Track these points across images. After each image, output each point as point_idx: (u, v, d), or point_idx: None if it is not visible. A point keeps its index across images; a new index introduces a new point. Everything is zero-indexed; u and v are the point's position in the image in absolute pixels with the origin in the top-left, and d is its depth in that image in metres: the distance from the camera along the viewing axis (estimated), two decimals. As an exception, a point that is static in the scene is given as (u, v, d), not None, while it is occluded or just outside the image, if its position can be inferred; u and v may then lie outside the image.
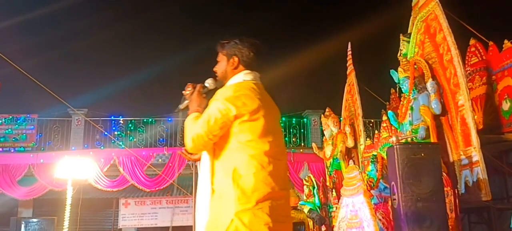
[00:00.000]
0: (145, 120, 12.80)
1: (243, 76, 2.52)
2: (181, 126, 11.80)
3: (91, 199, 11.78)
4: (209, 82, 2.61)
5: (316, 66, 15.53)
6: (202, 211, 2.42)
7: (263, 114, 2.40)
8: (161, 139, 12.68)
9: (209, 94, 2.57)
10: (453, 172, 6.13)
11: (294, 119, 13.49)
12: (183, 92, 2.61)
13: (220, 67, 2.61)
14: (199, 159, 2.63)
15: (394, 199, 5.28)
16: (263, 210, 2.27)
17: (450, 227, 5.32)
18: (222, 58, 2.61)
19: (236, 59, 2.55)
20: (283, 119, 13.40)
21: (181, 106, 2.61)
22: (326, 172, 9.43)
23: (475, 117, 6.36)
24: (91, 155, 10.77)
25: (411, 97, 6.62)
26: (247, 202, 2.26)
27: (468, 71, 7.06)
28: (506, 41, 6.78)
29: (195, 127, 2.40)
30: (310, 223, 7.63)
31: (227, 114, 2.34)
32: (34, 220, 9.87)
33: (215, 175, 2.42)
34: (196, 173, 3.31)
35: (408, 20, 7.59)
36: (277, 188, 2.34)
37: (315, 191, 8.57)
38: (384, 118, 7.75)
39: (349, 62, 9.61)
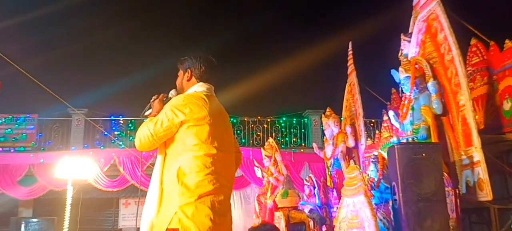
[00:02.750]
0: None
1: (196, 88, 2.82)
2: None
3: (91, 199, 11.76)
4: (172, 93, 2.91)
5: (317, 66, 15.51)
6: (148, 209, 2.66)
7: (209, 122, 2.65)
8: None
9: None
10: (454, 172, 6.11)
11: (294, 119, 13.48)
12: (151, 101, 2.91)
13: (178, 80, 2.94)
14: None
15: (395, 199, 5.27)
16: (204, 203, 2.51)
17: (451, 227, 5.31)
18: (180, 73, 2.94)
19: (189, 72, 2.87)
20: (284, 118, 13.39)
21: (146, 113, 2.91)
22: (327, 172, 9.42)
23: (476, 116, 6.34)
24: (91, 154, 10.74)
25: (412, 97, 6.61)
26: (190, 197, 2.50)
27: (469, 71, 7.04)
28: (507, 41, 6.76)
29: (144, 128, 2.69)
30: (311, 223, 7.61)
31: (172, 120, 2.62)
32: (34, 220, 9.86)
33: (164, 175, 2.66)
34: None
35: (409, 20, 7.57)
36: (218, 185, 2.58)
37: (315, 191, 8.56)
38: (385, 117, 7.74)
39: (350, 62, 9.60)
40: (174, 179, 2.55)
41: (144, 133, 2.66)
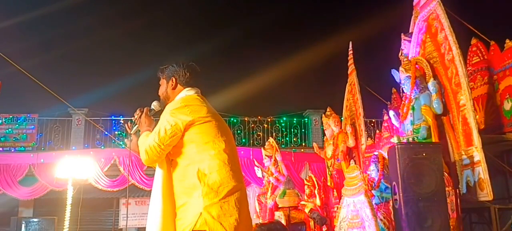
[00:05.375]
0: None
1: (186, 92, 2.78)
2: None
3: (91, 199, 11.75)
4: (154, 105, 2.88)
5: (317, 66, 15.52)
6: (153, 223, 2.57)
7: (213, 118, 2.64)
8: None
9: (156, 115, 2.84)
10: (455, 172, 6.11)
11: (295, 119, 13.47)
12: (133, 118, 2.87)
13: (161, 90, 2.88)
14: None
15: (395, 199, 5.27)
16: (229, 203, 2.48)
17: (451, 227, 5.31)
18: (162, 82, 2.88)
19: (174, 79, 2.81)
20: (284, 118, 13.39)
21: (132, 131, 2.86)
22: (327, 172, 9.41)
23: (477, 116, 6.34)
24: (91, 154, 10.73)
25: (413, 97, 6.61)
26: (214, 197, 2.47)
27: (470, 71, 7.04)
28: (507, 40, 6.76)
29: (147, 140, 2.62)
30: (311, 223, 7.61)
31: (176, 124, 2.56)
32: (35, 219, 9.85)
33: (177, 184, 2.59)
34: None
35: (409, 20, 7.57)
36: (237, 182, 2.57)
37: (316, 191, 8.56)
38: (386, 117, 7.74)
39: (350, 61, 9.59)
40: (194, 182, 2.50)
41: (150, 145, 2.58)
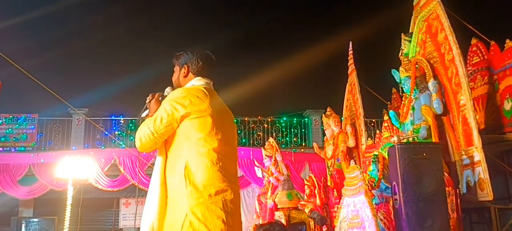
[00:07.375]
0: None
1: (194, 82, 2.71)
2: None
3: (91, 199, 11.74)
4: (167, 91, 2.78)
5: (317, 66, 15.50)
6: (148, 211, 2.55)
7: (211, 114, 2.52)
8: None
9: None
10: (455, 172, 6.11)
11: (295, 119, 13.46)
12: (147, 102, 2.80)
13: (174, 76, 2.83)
14: None
15: (396, 199, 5.27)
16: (216, 204, 2.39)
17: (451, 227, 5.31)
18: (176, 69, 2.83)
19: (186, 67, 2.75)
20: (285, 118, 13.38)
21: (143, 114, 2.80)
22: (327, 172, 9.41)
23: (477, 116, 6.34)
24: (91, 154, 10.73)
25: (413, 97, 6.61)
26: (200, 197, 2.38)
27: (470, 71, 7.04)
28: (507, 40, 6.77)
29: (143, 127, 2.56)
30: (311, 223, 7.60)
31: (172, 114, 2.49)
32: (35, 219, 9.86)
33: (168, 175, 2.54)
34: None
35: (409, 20, 7.57)
36: (227, 182, 2.46)
37: (316, 191, 8.55)
38: (386, 117, 7.74)
39: (350, 61, 9.59)
40: (181, 178, 2.42)
41: (144, 132, 2.52)
